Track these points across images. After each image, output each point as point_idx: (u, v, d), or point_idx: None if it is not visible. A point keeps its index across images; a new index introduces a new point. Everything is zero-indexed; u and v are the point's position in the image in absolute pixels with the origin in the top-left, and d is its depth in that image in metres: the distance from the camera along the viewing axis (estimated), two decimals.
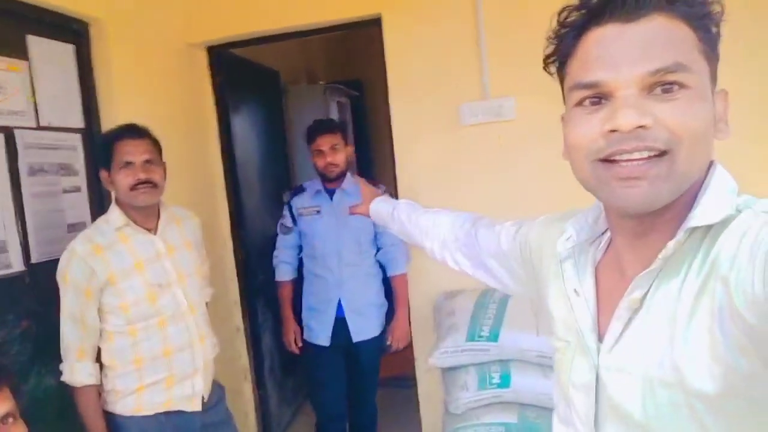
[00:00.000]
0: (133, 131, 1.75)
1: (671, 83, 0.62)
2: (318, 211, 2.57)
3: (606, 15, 0.65)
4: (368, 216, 1.54)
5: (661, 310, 0.66)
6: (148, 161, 1.73)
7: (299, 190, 2.66)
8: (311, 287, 2.62)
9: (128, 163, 1.70)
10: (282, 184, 3.59)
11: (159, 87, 2.44)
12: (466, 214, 1.23)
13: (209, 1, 2.66)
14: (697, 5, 0.65)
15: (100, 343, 1.72)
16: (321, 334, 2.57)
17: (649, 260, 0.67)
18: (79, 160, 2.07)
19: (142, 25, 2.34)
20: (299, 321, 2.67)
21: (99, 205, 2.10)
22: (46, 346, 1.79)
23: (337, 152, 2.50)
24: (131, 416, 1.72)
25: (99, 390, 1.72)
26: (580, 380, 0.77)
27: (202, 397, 1.83)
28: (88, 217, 2.07)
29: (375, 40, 2.61)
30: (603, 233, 0.82)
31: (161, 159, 1.81)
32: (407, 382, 3.04)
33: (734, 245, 0.59)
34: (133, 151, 1.71)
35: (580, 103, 0.68)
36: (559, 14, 0.71)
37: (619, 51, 0.64)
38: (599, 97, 0.66)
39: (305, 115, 3.78)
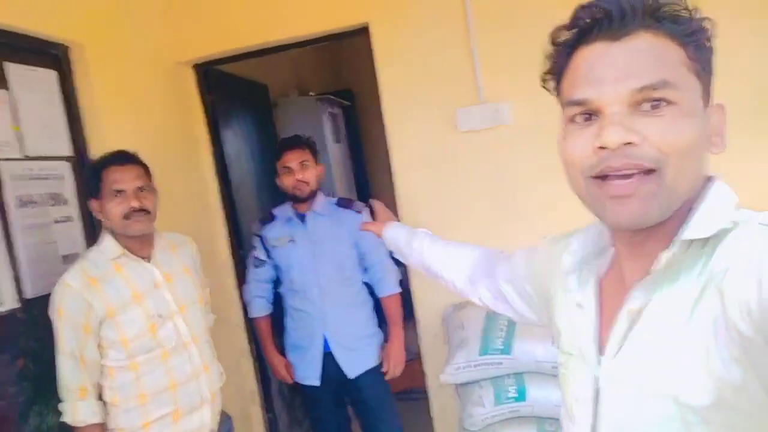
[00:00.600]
0: (122, 158, 1.70)
1: (658, 100, 0.63)
2: (291, 241, 2.36)
3: (594, 33, 0.67)
4: (379, 236, 1.42)
5: (658, 321, 0.66)
6: (140, 188, 1.67)
7: (269, 218, 2.46)
8: (293, 322, 2.42)
9: (119, 192, 1.65)
10: (278, 200, 3.52)
11: (147, 108, 2.38)
12: (488, 248, 1.20)
13: (193, 19, 2.61)
14: (684, 23, 0.65)
15: (101, 379, 1.65)
16: (309, 373, 2.37)
17: (647, 270, 0.68)
18: (68, 189, 2.00)
19: (125, 47, 2.29)
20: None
21: (92, 234, 2.04)
22: (45, 384, 1.72)
23: (306, 169, 2.31)
24: None
25: (103, 429, 1.65)
26: (581, 393, 0.77)
27: (211, 430, 1.78)
28: (81, 247, 2.01)
29: (364, 49, 2.56)
30: (608, 247, 0.82)
31: (153, 184, 1.76)
32: (416, 394, 2.96)
33: (730, 256, 0.60)
34: (123, 179, 1.65)
35: (572, 120, 0.70)
36: (552, 33, 0.73)
37: (605, 68, 0.65)
38: (590, 113, 0.67)
39: (297, 128, 3.71)
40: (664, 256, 0.65)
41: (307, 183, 2.31)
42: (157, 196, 1.75)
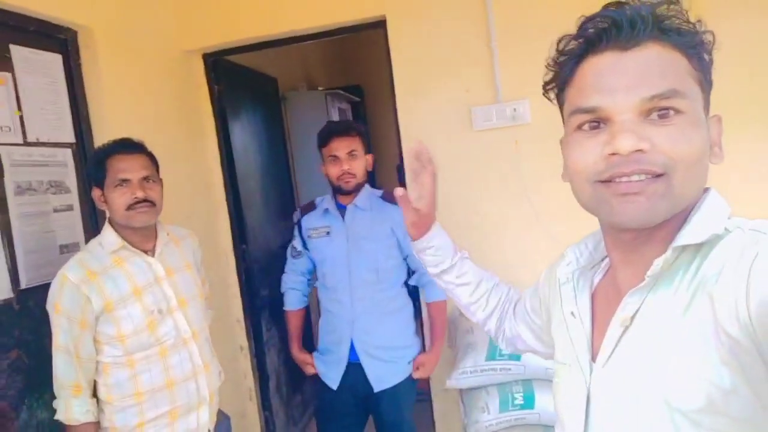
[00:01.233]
0: (128, 146, 1.63)
1: (667, 108, 0.65)
2: (328, 233, 2.19)
3: (603, 43, 0.68)
4: (412, 226, 1.12)
5: (649, 326, 0.67)
6: (145, 178, 1.61)
7: (309, 207, 2.29)
8: (325, 325, 2.23)
9: (124, 181, 1.59)
10: (285, 195, 3.47)
11: (153, 97, 2.32)
12: (505, 285, 1.16)
13: (204, 7, 2.55)
14: (689, 35, 0.67)
15: (96, 376, 1.59)
16: (330, 375, 2.20)
17: (642, 277, 0.69)
18: (70, 177, 1.94)
19: (134, 33, 2.23)
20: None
21: (93, 224, 1.99)
22: (38, 377, 1.68)
23: (355, 159, 2.11)
24: None
25: (97, 428, 1.58)
26: (572, 400, 0.77)
27: (208, 430, 1.72)
28: (81, 237, 1.95)
29: (376, 44, 2.49)
30: (603, 259, 0.84)
31: (158, 175, 1.69)
32: (419, 396, 2.90)
33: (720, 261, 0.62)
34: (128, 168, 1.59)
35: (579, 127, 0.70)
36: (558, 43, 0.74)
37: (617, 77, 0.66)
38: (598, 121, 0.68)
39: (305, 122, 3.69)
40: (659, 261, 0.66)
41: (354, 175, 2.11)
42: (162, 187, 1.69)
